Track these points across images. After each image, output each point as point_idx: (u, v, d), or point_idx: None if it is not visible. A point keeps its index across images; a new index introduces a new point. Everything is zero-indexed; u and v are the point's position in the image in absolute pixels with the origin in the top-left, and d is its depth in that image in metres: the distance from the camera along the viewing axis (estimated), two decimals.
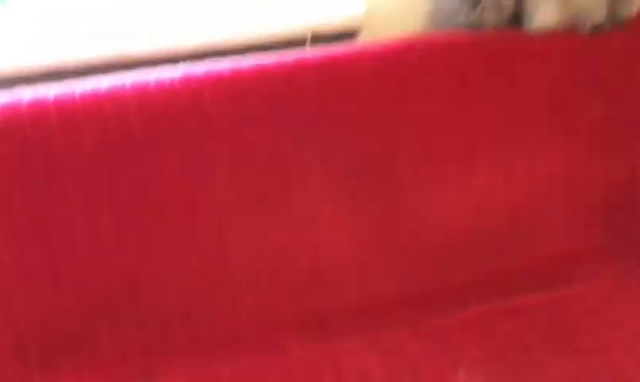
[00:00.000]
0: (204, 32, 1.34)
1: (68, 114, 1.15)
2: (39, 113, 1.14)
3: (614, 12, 1.30)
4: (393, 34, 1.35)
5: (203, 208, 1.21)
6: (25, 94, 1.15)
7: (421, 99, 1.29)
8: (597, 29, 1.29)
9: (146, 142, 1.17)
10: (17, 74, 1.25)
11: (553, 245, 1.41)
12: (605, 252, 1.41)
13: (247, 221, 1.23)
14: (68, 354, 1.19)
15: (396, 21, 1.41)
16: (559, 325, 1.28)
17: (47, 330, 1.19)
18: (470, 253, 1.35)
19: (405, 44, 1.32)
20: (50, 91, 1.16)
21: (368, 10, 1.39)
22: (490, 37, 1.31)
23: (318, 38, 1.37)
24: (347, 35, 1.40)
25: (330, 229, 1.28)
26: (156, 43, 1.31)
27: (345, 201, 1.28)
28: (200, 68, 1.21)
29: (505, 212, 1.36)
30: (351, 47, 1.32)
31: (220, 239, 1.23)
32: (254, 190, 1.23)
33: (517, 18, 1.28)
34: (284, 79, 1.23)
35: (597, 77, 1.35)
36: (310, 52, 1.30)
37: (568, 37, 1.30)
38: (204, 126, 1.20)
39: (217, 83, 1.20)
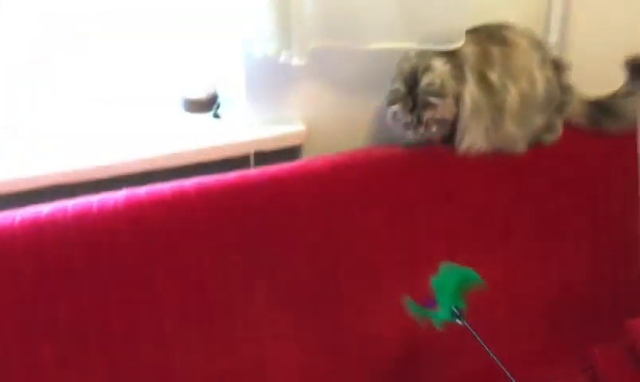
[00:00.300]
0: (145, 152, 1.36)
1: (6, 242, 1.13)
2: None
3: (538, 140, 1.40)
4: (335, 149, 1.41)
5: (146, 333, 1.19)
6: None
7: (363, 213, 1.33)
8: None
9: (87, 268, 1.16)
10: None
11: (497, 351, 1.43)
12: (548, 357, 1.43)
13: (192, 345, 1.21)
14: None
15: (336, 137, 1.47)
16: None
17: None
18: (415, 362, 1.36)
19: (346, 159, 1.37)
20: None
21: (308, 128, 1.44)
22: (427, 151, 1.38)
23: (262, 156, 1.41)
24: (290, 151, 1.45)
25: (276, 348, 1.27)
26: (98, 165, 1.32)
27: (290, 319, 1.28)
28: (142, 190, 1.23)
29: (449, 325, 1.38)
30: (293, 164, 1.36)
31: (164, 365, 1.20)
32: (198, 313, 1.22)
33: (450, 138, 1.36)
34: (228, 199, 1.26)
35: (526, 189, 1.43)
36: (253, 171, 1.33)
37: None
38: (147, 249, 1.20)
39: (160, 205, 1.22)
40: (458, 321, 1.15)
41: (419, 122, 1.30)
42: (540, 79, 1.35)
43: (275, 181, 1.30)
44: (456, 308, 1.16)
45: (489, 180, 1.40)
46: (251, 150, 1.40)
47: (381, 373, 1.34)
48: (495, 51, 1.33)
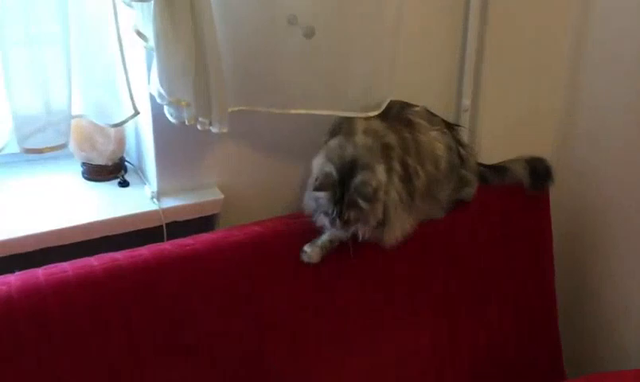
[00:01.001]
0: (41, 226, 1.20)
1: None
2: None
3: (457, 200, 1.39)
4: (253, 216, 1.33)
5: None
6: None
7: (289, 287, 1.25)
8: None
9: None
10: None
11: None
12: None
13: None
14: None
15: (255, 203, 1.39)
16: None
17: None
18: None
19: (268, 228, 1.29)
20: None
21: (226, 195, 1.35)
22: None
23: (176, 226, 1.30)
24: (206, 220, 1.35)
25: None
26: None
27: None
28: (40, 272, 1.08)
29: None
30: (211, 236, 1.26)
31: None
32: None
33: None
34: (139, 277, 1.13)
35: (450, 253, 1.41)
36: (166, 245, 1.22)
37: None
38: (48, 341, 1.05)
39: (62, 288, 1.07)
40: None
41: (340, 218, 1.18)
42: (442, 153, 1.34)
43: (191, 255, 1.19)
44: None
45: (412, 244, 1.36)
46: (164, 221, 1.29)
47: None
48: (407, 136, 1.30)
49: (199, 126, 1.16)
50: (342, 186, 1.18)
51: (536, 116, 1.67)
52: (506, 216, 1.49)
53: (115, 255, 1.16)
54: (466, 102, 1.56)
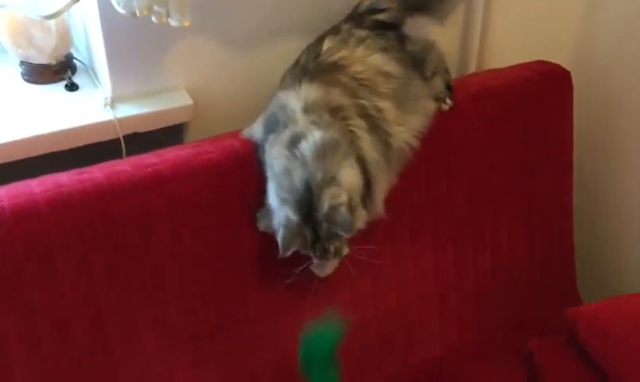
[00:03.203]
0: None
1: None
2: None
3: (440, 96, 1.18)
4: (228, 124, 1.12)
5: None
6: None
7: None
8: None
9: None
10: None
11: (426, 349, 1.26)
12: (482, 351, 1.29)
13: None
14: None
15: (230, 108, 1.18)
16: None
17: None
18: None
19: (242, 142, 1.08)
20: None
21: (196, 100, 1.13)
22: None
23: (136, 139, 1.09)
24: (173, 131, 1.14)
25: None
26: None
27: (189, 354, 1.02)
28: None
29: (373, 325, 1.19)
30: (179, 150, 1.05)
31: None
32: (65, 366, 0.92)
33: None
34: (92, 206, 0.94)
35: (456, 167, 1.23)
36: (125, 163, 1.01)
37: None
38: None
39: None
40: None
41: (325, 252, 0.97)
42: (382, 60, 1.08)
43: (154, 178, 0.99)
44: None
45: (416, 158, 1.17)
46: (121, 133, 1.08)
47: None
48: (344, 80, 1.05)
49: (154, 18, 0.92)
50: (309, 221, 0.94)
51: (556, 9, 1.44)
52: (520, 115, 1.29)
53: (60, 179, 0.96)
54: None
